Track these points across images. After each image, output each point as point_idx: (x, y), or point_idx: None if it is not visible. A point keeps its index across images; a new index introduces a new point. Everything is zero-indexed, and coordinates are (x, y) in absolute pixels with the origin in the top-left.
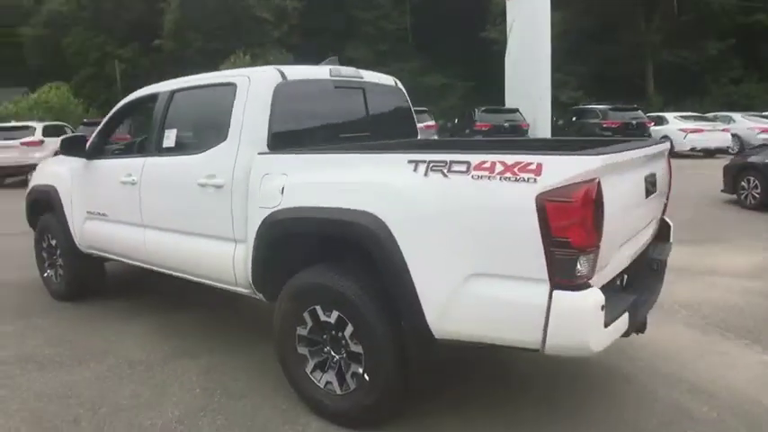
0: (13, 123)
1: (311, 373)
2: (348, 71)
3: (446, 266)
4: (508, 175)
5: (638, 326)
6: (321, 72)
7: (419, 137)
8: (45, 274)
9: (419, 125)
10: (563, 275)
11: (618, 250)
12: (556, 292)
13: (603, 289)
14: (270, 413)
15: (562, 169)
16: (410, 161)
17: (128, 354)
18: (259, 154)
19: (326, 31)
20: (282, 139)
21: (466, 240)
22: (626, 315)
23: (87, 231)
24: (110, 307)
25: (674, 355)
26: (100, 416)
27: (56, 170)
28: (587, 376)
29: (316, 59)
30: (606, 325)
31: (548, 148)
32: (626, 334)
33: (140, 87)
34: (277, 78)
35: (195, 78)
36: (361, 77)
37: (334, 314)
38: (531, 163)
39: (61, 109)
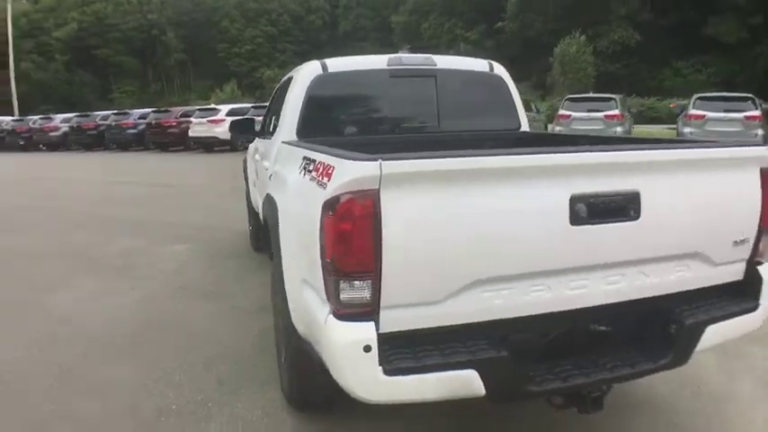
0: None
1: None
2: (412, 59)
3: (295, 267)
4: (317, 177)
5: (557, 395)
6: (376, 62)
7: (524, 128)
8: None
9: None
10: (331, 300)
11: (481, 289)
12: (329, 318)
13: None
14: None
15: (342, 175)
16: (303, 157)
17: None
18: (282, 142)
19: (685, 3)
20: (312, 129)
21: (300, 244)
22: (470, 373)
23: (253, 197)
24: None
25: None
26: None
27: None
28: None
29: (670, 38)
30: (391, 372)
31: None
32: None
33: None
34: (317, 71)
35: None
36: (433, 65)
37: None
38: (330, 166)
39: None
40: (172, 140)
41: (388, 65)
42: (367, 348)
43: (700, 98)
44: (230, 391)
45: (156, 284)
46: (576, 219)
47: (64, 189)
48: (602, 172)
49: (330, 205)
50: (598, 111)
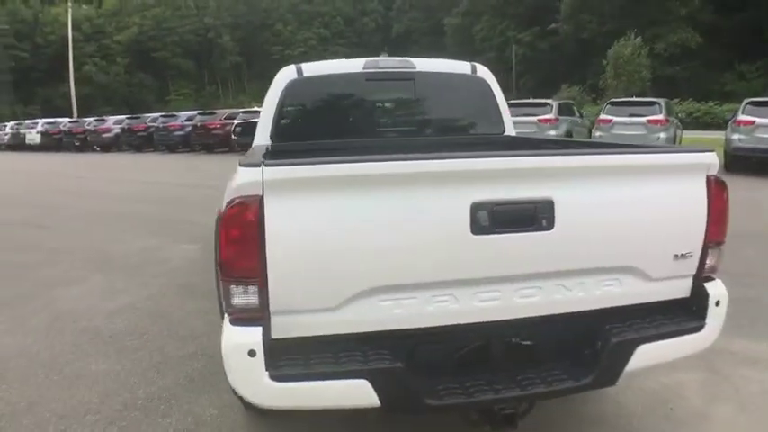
0: None
1: None
2: (389, 62)
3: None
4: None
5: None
6: (352, 65)
7: (509, 132)
8: None
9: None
10: (226, 303)
11: (374, 298)
12: (225, 322)
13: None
14: None
15: (234, 181)
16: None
17: None
18: (253, 146)
19: (750, 3)
20: (286, 133)
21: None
22: (362, 383)
23: None
24: None
25: None
26: None
27: None
28: None
29: (734, 40)
30: (278, 378)
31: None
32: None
33: (536, 71)
34: (292, 75)
35: None
36: (411, 67)
37: None
38: (236, 172)
39: None
40: (216, 142)
41: (364, 68)
42: (252, 353)
43: (751, 103)
44: (198, 389)
45: (165, 281)
46: (477, 228)
47: (103, 188)
48: (509, 179)
49: (224, 210)
50: (641, 115)
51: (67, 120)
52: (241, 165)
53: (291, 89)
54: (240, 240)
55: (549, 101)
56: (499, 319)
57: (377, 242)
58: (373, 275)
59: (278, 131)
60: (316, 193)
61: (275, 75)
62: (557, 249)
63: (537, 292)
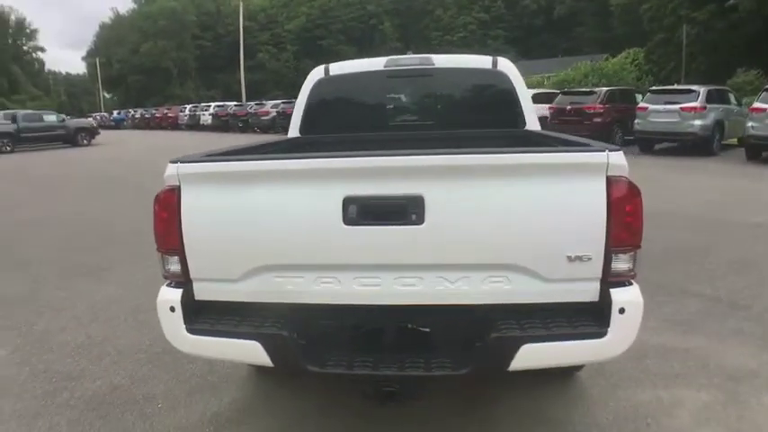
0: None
1: None
2: (409, 60)
3: None
4: None
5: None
6: (374, 64)
7: (531, 127)
8: None
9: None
10: (163, 269)
11: (266, 275)
12: (165, 283)
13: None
14: None
15: (165, 172)
16: None
17: None
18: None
19: None
20: (312, 127)
21: None
22: (255, 344)
23: None
24: None
25: None
26: None
27: None
28: None
29: None
30: (192, 331)
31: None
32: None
33: (711, 53)
34: (320, 74)
35: None
36: (430, 64)
37: None
38: None
39: (614, 74)
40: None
41: (385, 66)
42: (172, 309)
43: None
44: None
45: None
46: (349, 219)
47: None
48: (381, 176)
49: (159, 195)
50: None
51: (233, 104)
52: (170, 161)
53: (318, 87)
54: (166, 220)
55: (695, 87)
56: (383, 303)
57: (265, 227)
58: (264, 255)
59: (305, 125)
60: (218, 186)
61: None
62: (428, 243)
63: (418, 282)
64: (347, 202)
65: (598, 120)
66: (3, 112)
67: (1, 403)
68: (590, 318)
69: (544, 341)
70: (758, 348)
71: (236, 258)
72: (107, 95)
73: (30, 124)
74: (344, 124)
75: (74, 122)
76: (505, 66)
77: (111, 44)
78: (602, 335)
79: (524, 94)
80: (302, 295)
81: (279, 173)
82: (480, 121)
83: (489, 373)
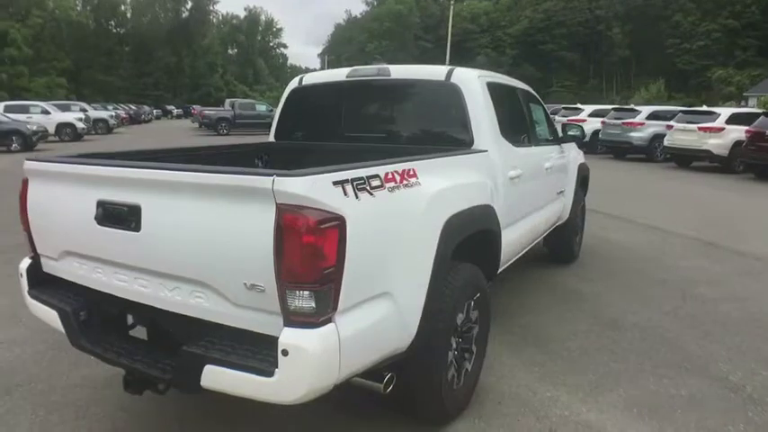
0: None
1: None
2: (367, 70)
3: None
4: None
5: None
6: (339, 74)
7: (480, 144)
8: None
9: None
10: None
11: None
12: None
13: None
14: None
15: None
16: None
17: None
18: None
19: None
20: (283, 134)
21: None
22: (54, 313)
23: None
24: None
25: None
26: None
27: None
28: None
29: None
30: (31, 296)
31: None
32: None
33: None
34: (295, 84)
35: None
36: (386, 75)
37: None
38: None
39: None
40: None
41: (346, 77)
42: (21, 275)
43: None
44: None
45: None
46: (99, 219)
47: None
48: (115, 185)
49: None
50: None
51: None
52: (26, 159)
53: (292, 96)
54: (22, 206)
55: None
56: (129, 299)
57: (59, 219)
58: (61, 243)
59: (278, 132)
60: (43, 182)
61: (670, 69)
62: (144, 250)
63: (148, 284)
64: (98, 204)
65: None
66: (229, 99)
67: None
68: (270, 353)
69: (221, 365)
70: None
71: (51, 242)
72: None
73: (244, 112)
74: (309, 133)
75: None
76: (461, 78)
77: (342, 42)
78: (269, 374)
79: (477, 108)
80: (86, 280)
81: (63, 175)
82: (428, 136)
83: (186, 388)
